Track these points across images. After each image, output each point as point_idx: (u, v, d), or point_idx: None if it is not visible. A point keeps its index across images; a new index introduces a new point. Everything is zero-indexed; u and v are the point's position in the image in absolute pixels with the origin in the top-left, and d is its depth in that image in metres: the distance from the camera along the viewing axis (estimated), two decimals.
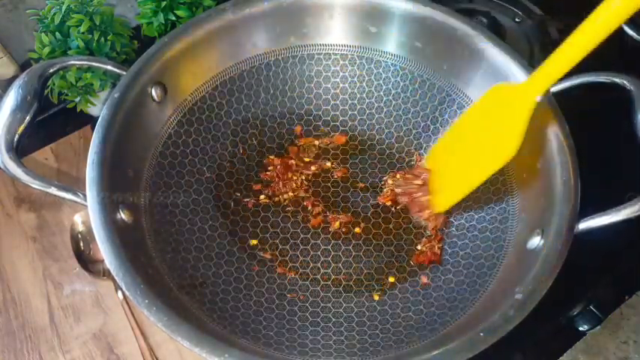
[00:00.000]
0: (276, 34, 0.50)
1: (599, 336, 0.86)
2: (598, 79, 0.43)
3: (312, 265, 0.47)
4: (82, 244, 0.50)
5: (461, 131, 0.45)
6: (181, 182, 0.48)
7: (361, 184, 0.52)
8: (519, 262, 0.40)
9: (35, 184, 0.37)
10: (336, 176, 0.52)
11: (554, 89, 0.43)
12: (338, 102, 0.54)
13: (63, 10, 0.50)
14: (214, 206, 0.49)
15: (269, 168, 0.52)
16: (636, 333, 0.87)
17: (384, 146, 0.54)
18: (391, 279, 0.46)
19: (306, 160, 0.53)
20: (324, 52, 0.52)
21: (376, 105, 0.54)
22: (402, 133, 0.53)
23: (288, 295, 0.45)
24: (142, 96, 0.44)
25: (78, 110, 0.56)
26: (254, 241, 0.48)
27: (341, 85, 0.54)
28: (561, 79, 0.44)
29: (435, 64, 0.50)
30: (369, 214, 0.50)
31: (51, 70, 0.42)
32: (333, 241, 0.49)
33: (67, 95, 0.54)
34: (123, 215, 0.39)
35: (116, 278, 0.35)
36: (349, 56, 0.53)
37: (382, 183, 0.52)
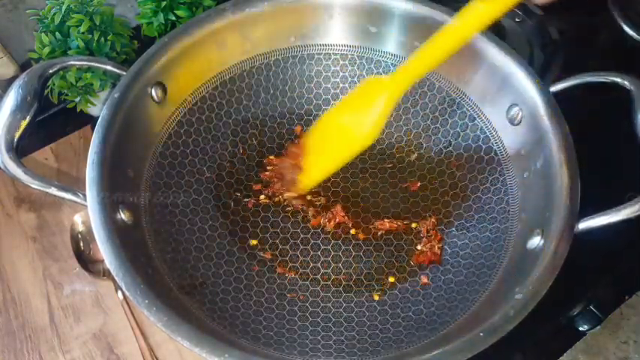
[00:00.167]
0: (276, 34, 0.50)
1: (599, 336, 0.86)
2: (598, 79, 0.43)
3: (312, 265, 0.47)
4: (82, 244, 0.50)
5: (333, 116, 0.47)
6: (181, 182, 0.48)
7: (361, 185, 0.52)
8: (519, 262, 0.40)
9: (35, 184, 0.37)
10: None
11: (554, 89, 0.43)
12: (338, 102, 0.54)
13: (63, 10, 0.50)
14: (214, 206, 0.49)
15: (268, 168, 0.52)
16: (636, 333, 0.87)
17: (384, 146, 0.54)
18: (391, 279, 0.46)
19: None
20: (324, 52, 0.52)
21: None
22: (401, 133, 0.53)
23: (288, 295, 0.45)
24: (142, 96, 0.44)
25: (78, 110, 0.56)
26: (254, 241, 0.48)
27: (341, 85, 0.54)
28: (560, 79, 0.44)
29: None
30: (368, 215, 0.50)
31: (51, 70, 0.42)
32: (333, 241, 0.49)
33: (67, 95, 0.54)
34: (123, 215, 0.39)
35: (116, 278, 0.35)
36: (349, 56, 0.53)
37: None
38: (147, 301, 0.34)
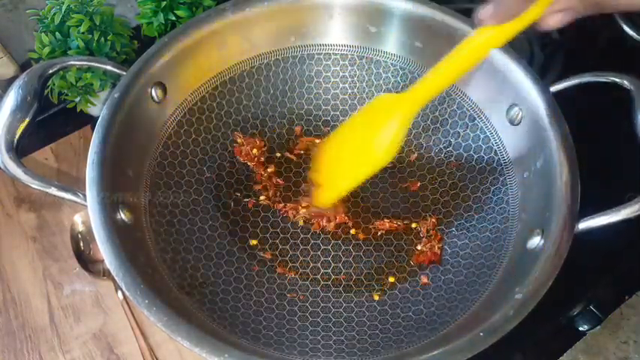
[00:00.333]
0: (276, 34, 0.50)
1: (599, 336, 0.86)
2: (598, 79, 0.43)
3: (312, 265, 0.47)
4: (82, 244, 0.50)
5: (346, 134, 0.46)
6: (181, 182, 0.48)
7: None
8: (519, 262, 0.40)
9: (35, 184, 0.37)
10: None
11: (554, 89, 0.43)
12: (338, 102, 0.54)
13: (63, 10, 0.50)
14: (214, 206, 0.49)
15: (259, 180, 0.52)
16: (636, 333, 0.87)
17: None
18: (391, 279, 0.46)
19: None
20: (324, 52, 0.52)
21: None
22: None
23: (288, 295, 0.45)
24: (142, 96, 0.44)
25: (78, 110, 0.56)
26: (254, 241, 0.48)
27: (341, 85, 0.54)
28: (560, 79, 0.44)
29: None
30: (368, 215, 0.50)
31: (51, 70, 0.42)
32: (333, 241, 0.49)
33: (67, 95, 0.54)
34: (123, 215, 0.39)
35: (116, 278, 0.35)
36: (349, 56, 0.53)
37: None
38: (147, 301, 0.34)
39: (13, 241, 0.52)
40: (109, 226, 0.37)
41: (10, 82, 0.52)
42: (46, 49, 0.50)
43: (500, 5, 0.33)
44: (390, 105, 0.41)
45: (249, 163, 0.52)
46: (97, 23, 0.51)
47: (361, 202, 0.51)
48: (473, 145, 0.49)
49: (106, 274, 0.49)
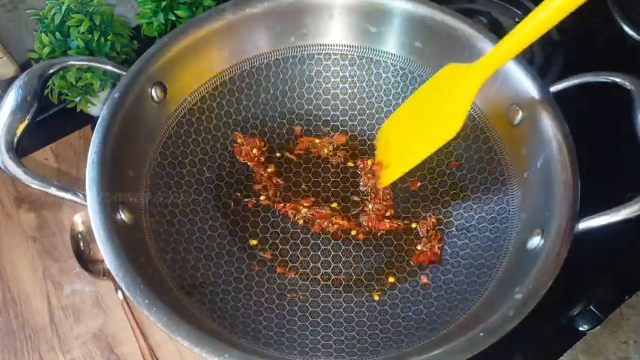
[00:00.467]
0: (276, 34, 0.50)
1: (599, 336, 0.86)
2: (598, 79, 0.43)
3: (312, 265, 0.47)
4: (82, 244, 0.50)
5: (412, 107, 0.46)
6: (181, 182, 0.48)
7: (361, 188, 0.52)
8: (519, 262, 0.40)
9: (35, 184, 0.37)
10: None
11: (554, 89, 0.43)
12: (338, 102, 0.54)
13: (63, 10, 0.50)
14: (214, 206, 0.49)
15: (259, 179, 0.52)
16: (636, 333, 0.87)
17: None
18: (391, 279, 0.46)
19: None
20: (324, 52, 0.52)
21: (376, 105, 0.54)
22: None
23: (288, 295, 0.45)
24: (142, 96, 0.44)
25: (78, 110, 0.56)
26: (254, 241, 0.48)
27: (341, 85, 0.54)
28: (560, 79, 0.44)
29: (435, 64, 0.50)
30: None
31: (51, 70, 0.42)
32: (333, 241, 0.49)
33: (67, 95, 0.54)
34: (123, 215, 0.39)
35: (116, 278, 0.35)
36: (349, 56, 0.53)
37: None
38: (147, 301, 0.34)
39: (13, 241, 0.52)
40: (109, 226, 0.37)
41: (10, 82, 0.52)
42: (46, 49, 0.50)
43: None
44: (459, 75, 0.41)
45: (249, 163, 0.52)
46: (97, 23, 0.51)
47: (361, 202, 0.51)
48: (473, 146, 0.49)
49: (106, 274, 0.49)
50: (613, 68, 0.42)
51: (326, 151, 0.53)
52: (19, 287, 0.50)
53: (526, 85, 0.44)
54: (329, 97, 0.54)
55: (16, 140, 0.38)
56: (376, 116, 0.54)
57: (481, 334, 0.33)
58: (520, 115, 0.44)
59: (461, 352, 0.33)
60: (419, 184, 0.51)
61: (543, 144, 0.41)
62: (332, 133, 0.54)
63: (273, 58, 0.52)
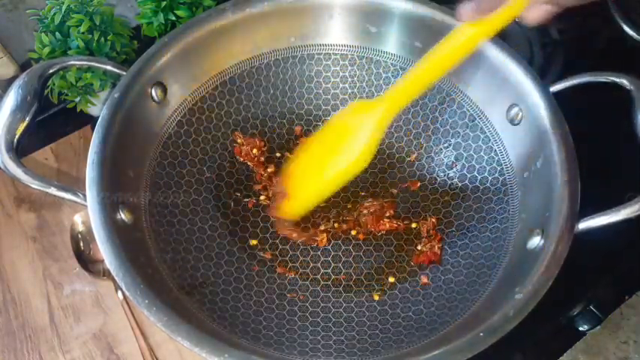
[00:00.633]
0: (276, 34, 0.50)
1: (599, 336, 0.86)
2: (598, 79, 0.43)
3: (312, 265, 0.47)
4: (82, 244, 0.50)
5: (318, 141, 0.45)
6: (181, 182, 0.48)
7: (361, 191, 0.52)
8: (519, 262, 0.40)
9: (35, 184, 0.37)
10: None
11: (554, 89, 0.43)
12: (338, 102, 0.54)
13: (63, 10, 0.50)
14: (214, 206, 0.49)
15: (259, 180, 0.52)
16: (636, 333, 0.87)
17: (384, 146, 0.54)
18: (391, 279, 0.46)
19: None
20: (324, 52, 0.52)
21: None
22: (401, 133, 0.53)
23: (288, 295, 0.45)
24: (142, 96, 0.44)
25: (78, 110, 0.56)
26: (254, 241, 0.48)
27: (341, 85, 0.54)
28: (560, 79, 0.44)
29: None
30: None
31: (51, 70, 0.42)
32: (333, 241, 0.49)
33: (67, 95, 0.54)
34: (123, 215, 0.39)
35: (116, 278, 0.35)
36: (349, 56, 0.53)
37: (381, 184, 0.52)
38: (147, 301, 0.34)
39: (13, 241, 0.52)
40: (109, 226, 0.37)
41: (10, 82, 0.52)
42: (46, 49, 0.50)
43: (479, 1, 0.33)
44: (363, 111, 0.41)
45: (249, 163, 0.52)
46: (97, 23, 0.51)
47: (361, 202, 0.51)
48: (473, 145, 0.49)
49: (106, 274, 0.49)
50: (613, 68, 0.42)
51: None
52: (19, 287, 0.50)
53: (526, 85, 0.44)
54: (329, 97, 0.54)
55: (16, 140, 0.38)
56: None
57: (481, 334, 0.33)
58: (520, 115, 0.44)
59: (461, 352, 0.33)
60: (419, 184, 0.51)
61: (543, 144, 0.41)
62: None
63: (273, 58, 0.52)
